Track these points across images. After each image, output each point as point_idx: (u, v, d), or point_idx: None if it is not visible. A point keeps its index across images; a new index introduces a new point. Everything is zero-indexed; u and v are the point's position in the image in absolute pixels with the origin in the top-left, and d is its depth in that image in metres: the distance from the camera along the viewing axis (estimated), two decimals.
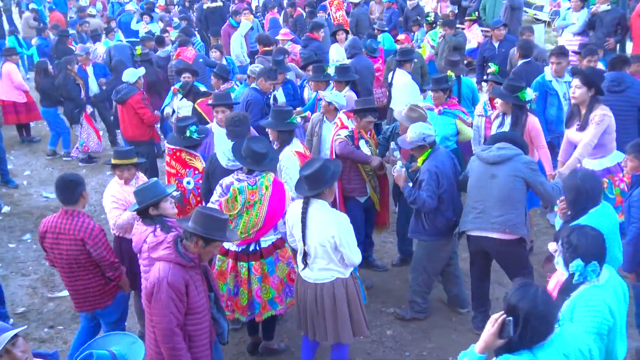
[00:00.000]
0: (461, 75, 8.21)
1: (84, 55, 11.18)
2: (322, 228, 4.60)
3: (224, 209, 5.01)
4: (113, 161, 5.59)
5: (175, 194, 5.72)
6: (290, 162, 5.71)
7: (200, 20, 16.57)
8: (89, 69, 11.21)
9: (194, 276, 4.04)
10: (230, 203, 5.03)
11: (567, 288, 3.64)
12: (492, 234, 5.24)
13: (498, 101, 6.36)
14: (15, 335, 2.82)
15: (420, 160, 5.58)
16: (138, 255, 4.85)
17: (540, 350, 2.98)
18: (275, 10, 15.90)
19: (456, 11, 15.55)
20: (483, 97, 7.90)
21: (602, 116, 5.88)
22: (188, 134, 5.82)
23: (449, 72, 7.50)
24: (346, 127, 6.33)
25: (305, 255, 4.73)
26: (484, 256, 5.53)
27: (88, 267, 4.90)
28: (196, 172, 5.84)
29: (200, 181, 5.82)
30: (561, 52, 7.40)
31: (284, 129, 5.84)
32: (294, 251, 5.14)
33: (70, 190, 4.87)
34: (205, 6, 17.10)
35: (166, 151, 6.13)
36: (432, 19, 12.20)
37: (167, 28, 13.70)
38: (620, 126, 6.26)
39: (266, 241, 5.14)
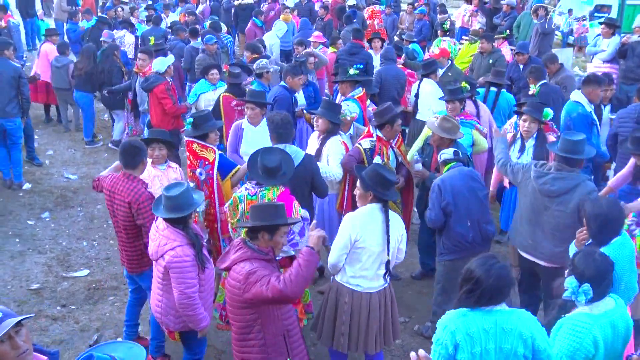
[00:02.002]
0: (502, 89, 8.26)
1: (109, 42, 11.22)
2: (396, 229, 4.72)
3: (228, 216, 5.16)
4: (146, 138, 5.83)
5: (191, 184, 5.76)
6: (336, 147, 6.02)
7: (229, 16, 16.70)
8: None
9: (274, 270, 4.00)
10: (232, 210, 5.09)
11: (566, 305, 3.69)
12: (542, 262, 5.18)
13: (525, 125, 6.26)
14: (20, 324, 2.81)
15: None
16: (154, 262, 4.67)
17: (479, 312, 3.37)
18: (296, 12, 15.81)
19: (484, 27, 15.54)
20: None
21: None
22: (186, 125, 5.90)
23: (464, 83, 7.57)
24: (371, 135, 6.24)
25: (387, 263, 4.71)
26: (533, 273, 5.44)
27: (130, 232, 5.04)
28: (206, 163, 5.83)
29: (211, 172, 5.80)
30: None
31: (334, 121, 6.10)
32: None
33: (132, 155, 5.09)
34: (236, 3, 17.23)
35: (185, 143, 6.18)
36: (447, 27, 12.80)
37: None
38: None
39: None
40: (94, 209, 8.51)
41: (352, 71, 7.73)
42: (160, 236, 4.48)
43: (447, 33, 12.65)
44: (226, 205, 5.26)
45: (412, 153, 6.78)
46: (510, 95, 8.54)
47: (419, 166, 6.23)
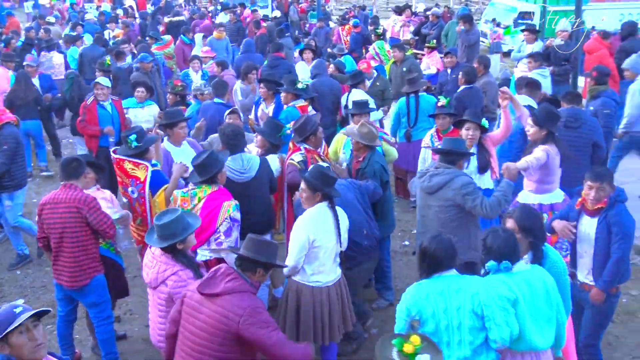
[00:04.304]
0: (420, 92, 8.44)
1: (34, 66, 10.73)
2: (343, 221, 4.99)
3: None
4: None
5: (124, 200, 5.93)
6: (272, 161, 6.05)
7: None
8: (35, 80, 10.58)
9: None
10: (172, 206, 5.28)
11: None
12: None
13: (469, 134, 6.24)
14: (38, 321, 3.12)
15: None
16: (151, 290, 4.56)
17: (433, 279, 3.93)
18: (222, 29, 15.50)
19: (416, 38, 15.94)
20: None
21: (547, 149, 5.75)
22: (129, 142, 5.78)
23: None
24: (299, 149, 6.24)
25: (341, 253, 4.99)
26: None
27: (73, 240, 5.10)
28: (138, 181, 5.76)
29: (143, 191, 5.74)
30: None
31: (272, 141, 6.20)
32: None
33: (73, 167, 5.21)
34: (166, 19, 17.10)
35: (113, 161, 6.03)
36: (381, 32, 13.40)
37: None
38: (574, 162, 6.39)
39: (202, 256, 5.18)
40: (27, 236, 8.22)
41: (300, 85, 7.87)
42: (158, 262, 4.39)
43: (381, 37, 13.03)
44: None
45: (333, 154, 6.89)
46: (430, 97, 8.75)
47: (343, 165, 6.29)
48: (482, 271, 4.05)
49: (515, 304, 3.83)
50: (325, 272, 4.93)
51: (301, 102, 7.83)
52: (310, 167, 5.55)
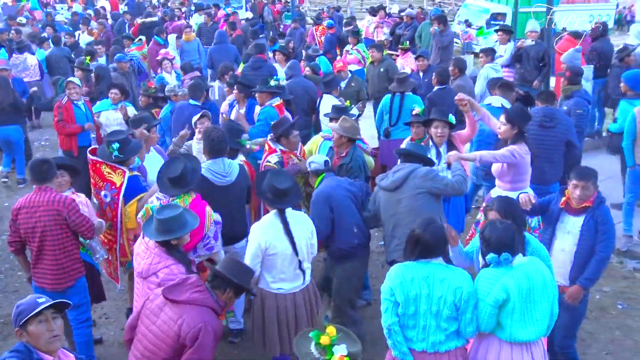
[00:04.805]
0: (406, 93, 8.46)
1: (8, 69, 10.42)
2: (304, 227, 4.94)
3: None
4: None
5: (95, 201, 5.86)
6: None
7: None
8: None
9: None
10: (145, 221, 5.06)
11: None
12: None
13: (438, 132, 6.36)
14: (57, 315, 3.25)
15: (315, 186, 5.75)
16: (140, 280, 4.57)
17: (419, 263, 4.00)
18: (190, 31, 15.15)
19: (390, 38, 16.01)
20: None
21: (514, 149, 5.73)
22: (110, 150, 5.68)
23: (347, 102, 7.77)
24: (275, 151, 6.29)
25: (300, 264, 4.88)
26: None
27: (55, 243, 5.05)
28: (113, 187, 5.66)
29: (117, 197, 5.64)
30: None
31: (231, 146, 6.05)
32: None
33: (45, 170, 5.09)
34: (140, 21, 16.92)
35: (89, 162, 5.92)
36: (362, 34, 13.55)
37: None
38: (548, 160, 6.51)
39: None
40: None
41: (272, 82, 7.79)
42: (152, 254, 4.49)
43: (360, 40, 13.10)
44: (139, 216, 5.29)
45: (309, 155, 6.80)
46: (416, 97, 8.72)
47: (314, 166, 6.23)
48: (482, 264, 4.08)
49: (505, 303, 3.89)
50: (287, 280, 4.88)
51: (277, 101, 7.78)
52: (286, 167, 5.58)
